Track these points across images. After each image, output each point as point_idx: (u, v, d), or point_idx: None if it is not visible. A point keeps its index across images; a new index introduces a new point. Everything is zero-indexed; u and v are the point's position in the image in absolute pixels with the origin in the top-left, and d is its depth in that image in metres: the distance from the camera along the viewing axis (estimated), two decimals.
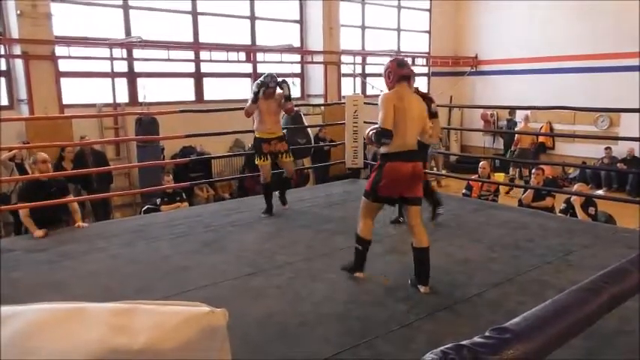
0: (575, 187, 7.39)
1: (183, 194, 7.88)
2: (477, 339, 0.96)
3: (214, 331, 1.30)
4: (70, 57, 8.47)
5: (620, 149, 11.45)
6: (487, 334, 0.98)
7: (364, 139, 4.81)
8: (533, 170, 7.66)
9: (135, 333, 1.21)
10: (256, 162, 5.75)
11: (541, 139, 12.95)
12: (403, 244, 4.69)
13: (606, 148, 11.50)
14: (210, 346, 1.29)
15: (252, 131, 5.79)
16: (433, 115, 4.76)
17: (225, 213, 5.97)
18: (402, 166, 3.64)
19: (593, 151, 11.70)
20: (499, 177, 10.93)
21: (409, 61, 13.81)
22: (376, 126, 3.72)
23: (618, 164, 11.24)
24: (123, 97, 9.26)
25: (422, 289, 3.64)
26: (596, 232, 5.24)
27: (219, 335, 1.31)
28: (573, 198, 6.64)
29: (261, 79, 5.49)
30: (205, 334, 1.28)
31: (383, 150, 3.71)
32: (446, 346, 0.91)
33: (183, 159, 8.71)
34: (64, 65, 8.47)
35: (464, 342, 0.94)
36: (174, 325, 1.25)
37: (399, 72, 3.86)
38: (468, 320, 3.19)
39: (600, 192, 9.75)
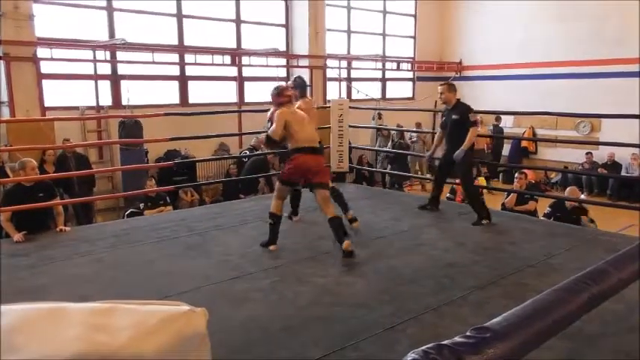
0: (567, 190, 7.31)
1: (167, 198, 7.82)
2: (458, 338, 0.97)
3: (194, 330, 1.30)
4: (52, 59, 8.38)
5: (601, 154, 11.62)
6: (468, 333, 0.99)
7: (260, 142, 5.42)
8: (516, 175, 7.74)
9: (115, 331, 1.21)
10: None
11: (524, 143, 13.11)
12: (389, 249, 4.72)
13: (587, 153, 11.66)
14: (190, 344, 1.29)
15: (236, 134, 5.80)
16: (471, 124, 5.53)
17: (211, 217, 5.94)
18: (312, 158, 4.65)
19: (574, 156, 11.85)
20: (482, 181, 11.03)
21: (394, 65, 13.99)
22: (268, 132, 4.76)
23: (599, 169, 11.40)
24: (106, 99, 9.19)
25: (344, 245, 4.36)
26: (577, 235, 5.31)
27: (198, 333, 1.31)
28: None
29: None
30: (185, 333, 1.28)
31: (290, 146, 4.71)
32: (427, 345, 0.92)
33: (168, 162, 8.64)
34: (46, 67, 8.38)
35: (445, 341, 0.95)
36: (154, 323, 1.25)
37: (276, 100, 4.78)
38: (452, 322, 3.21)
39: (582, 196, 9.86)
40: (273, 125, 4.63)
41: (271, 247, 4.67)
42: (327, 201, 4.63)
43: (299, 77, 5.82)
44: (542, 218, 6.74)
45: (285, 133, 4.64)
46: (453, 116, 5.52)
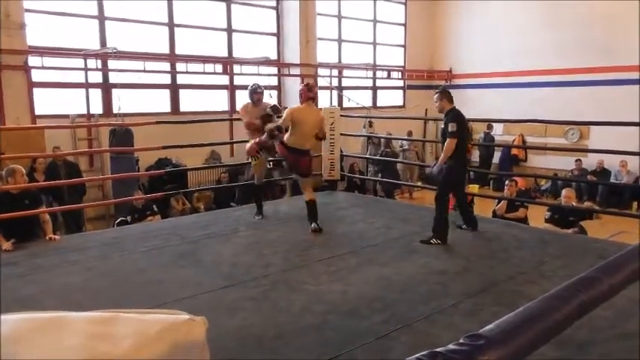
0: (564, 191, 7.14)
1: (154, 207, 7.76)
2: (451, 346, 0.97)
3: (194, 339, 1.30)
4: (43, 67, 8.34)
5: (590, 161, 11.72)
6: (461, 340, 1.00)
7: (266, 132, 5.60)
8: (507, 182, 7.78)
9: (116, 341, 1.21)
10: (252, 163, 6.21)
11: (514, 151, 13.20)
12: (381, 256, 4.72)
13: (577, 160, 11.76)
14: (190, 353, 1.29)
15: (229, 143, 5.90)
16: (449, 135, 5.18)
17: (202, 225, 5.92)
18: (299, 158, 5.49)
19: (563, 163, 11.95)
20: (473, 189, 11.07)
21: (384, 74, 14.06)
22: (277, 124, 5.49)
23: (588, 176, 11.49)
24: (97, 108, 9.15)
25: (312, 225, 5.51)
26: (567, 242, 5.34)
27: (198, 342, 1.31)
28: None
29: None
30: (185, 342, 1.28)
31: (288, 143, 5.41)
32: (421, 353, 0.93)
33: (158, 171, 8.60)
34: (37, 75, 8.34)
35: (439, 349, 0.95)
36: (155, 332, 1.25)
37: (307, 94, 5.46)
38: (445, 330, 3.22)
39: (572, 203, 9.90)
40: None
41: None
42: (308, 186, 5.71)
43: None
44: (545, 224, 6.72)
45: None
46: (442, 125, 5.28)
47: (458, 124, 5.12)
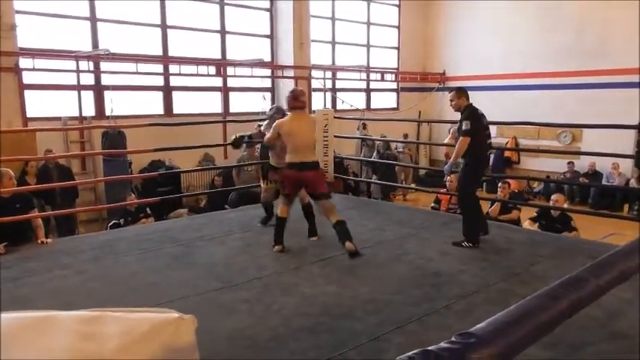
0: (553, 197, 7.12)
1: (147, 209, 7.73)
2: (443, 344, 0.98)
3: (183, 337, 1.30)
4: (34, 69, 8.30)
5: (582, 163, 11.79)
6: (453, 339, 1.00)
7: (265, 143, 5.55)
8: (500, 184, 7.82)
9: (103, 340, 1.21)
10: (263, 186, 6.15)
11: (507, 153, 13.26)
12: (375, 258, 4.73)
13: (569, 163, 11.83)
14: (179, 351, 1.29)
15: (221, 145, 5.85)
16: (462, 133, 5.02)
17: (195, 227, 5.91)
18: (294, 174, 4.87)
19: (556, 166, 12.01)
20: None
21: (378, 76, 14.09)
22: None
23: (580, 178, 11.57)
24: (89, 110, 9.11)
25: (346, 245, 4.58)
26: (559, 244, 5.37)
27: (187, 341, 1.31)
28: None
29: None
30: (174, 340, 1.27)
31: (287, 160, 4.92)
32: (413, 351, 0.93)
33: (152, 173, 8.56)
34: (28, 77, 8.30)
35: (430, 347, 0.96)
36: (143, 331, 1.25)
37: (292, 103, 4.94)
38: (438, 331, 3.22)
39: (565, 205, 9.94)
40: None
41: (276, 247, 4.94)
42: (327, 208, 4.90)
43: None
44: (527, 221, 6.76)
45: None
46: (458, 124, 5.12)
47: (472, 122, 4.96)
